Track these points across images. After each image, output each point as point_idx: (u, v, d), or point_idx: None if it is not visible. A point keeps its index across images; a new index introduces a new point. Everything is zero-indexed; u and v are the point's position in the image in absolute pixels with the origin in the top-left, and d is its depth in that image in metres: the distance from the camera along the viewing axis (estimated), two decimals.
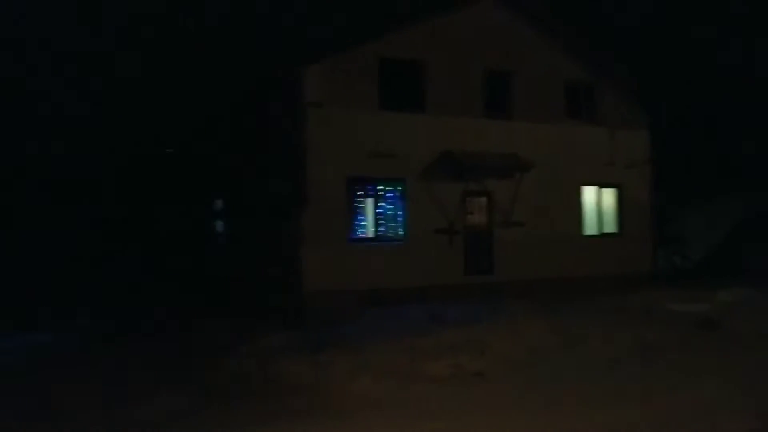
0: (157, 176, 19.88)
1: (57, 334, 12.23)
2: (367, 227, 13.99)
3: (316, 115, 13.31)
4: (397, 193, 14.24)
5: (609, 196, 16.88)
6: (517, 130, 15.34)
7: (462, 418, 6.45)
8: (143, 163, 20.01)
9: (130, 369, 9.19)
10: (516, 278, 14.84)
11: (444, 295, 13.33)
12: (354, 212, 13.87)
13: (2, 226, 18.26)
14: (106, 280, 17.21)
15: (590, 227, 16.48)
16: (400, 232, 14.20)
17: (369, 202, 14.03)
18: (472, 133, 14.76)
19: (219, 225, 18.41)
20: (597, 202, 16.66)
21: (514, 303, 12.35)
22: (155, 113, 19.45)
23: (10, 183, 19.01)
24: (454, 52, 14.80)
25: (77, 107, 19.25)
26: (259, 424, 6.53)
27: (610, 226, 16.83)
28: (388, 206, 14.20)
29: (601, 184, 16.66)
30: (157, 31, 19.75)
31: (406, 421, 6.42)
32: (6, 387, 8.41)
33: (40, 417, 7.13)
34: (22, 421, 6.98)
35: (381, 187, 14.12)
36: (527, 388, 7.60)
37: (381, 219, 14.10)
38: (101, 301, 15.46)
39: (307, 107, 13.29)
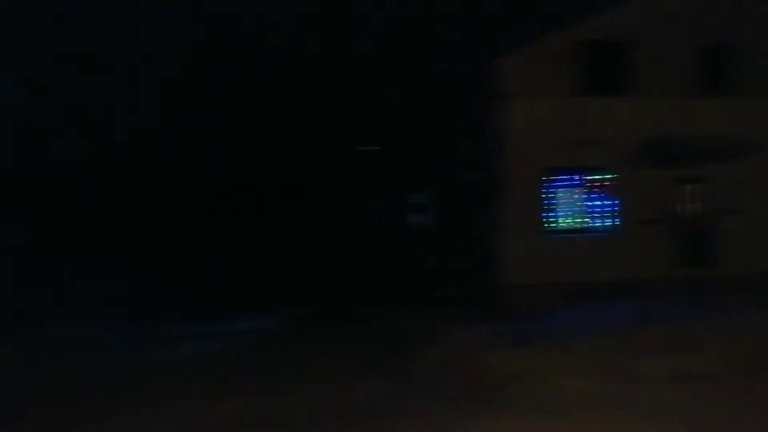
0: (357, 173, 21.00)
1: (265, 321, 13.36)
2: (567, 218, 13.51)
3: (513, 106, 13.10)
4: (600, 183, 13.55)
5: None
6: (740, 108, 13.72)
7: (684, 422, 5.99)
8: (342, 161, 21.23)
9: (333, 354, 9.76)
10: (740, 272, 13.35)
11: (654, 290, 12.42)
12: (552, 203, 13.47)
13: (213, 224, 20.37)
14: (308, 273, 18.50)
15: None
16: (604, 223, 13.51)
17: (569, 193, 13.53)
18: (686, 115, 13.53)
19: (416, 218, 18.97)
20: None
21: (738, 299, 11.17)
22: (353, 112, 20.43)
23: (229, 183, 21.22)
24: (662, 29, 13.64)
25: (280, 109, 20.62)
26: (466, 413, 6.59)
27: None
28: (590, 196, 13.56)
29: None
30: (351, 29, 20.47)
31: (628, 422, 6.11)
32: (226, 370, 9.34)
33: (265, 392, 7.91)
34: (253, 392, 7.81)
35: (582, 177, 13.53)
36: (753, 394, 6.84)
37: (582, 210, 13.51)
38: (303, 292, 16.63)
39: (504, 98, 13.14)
